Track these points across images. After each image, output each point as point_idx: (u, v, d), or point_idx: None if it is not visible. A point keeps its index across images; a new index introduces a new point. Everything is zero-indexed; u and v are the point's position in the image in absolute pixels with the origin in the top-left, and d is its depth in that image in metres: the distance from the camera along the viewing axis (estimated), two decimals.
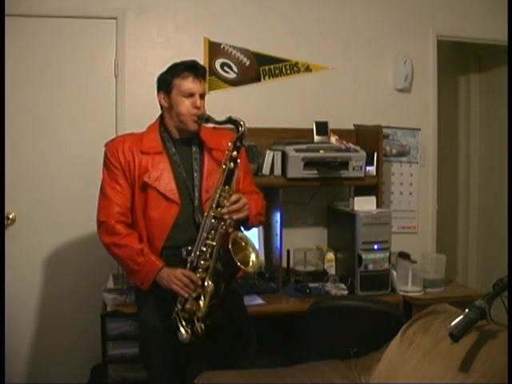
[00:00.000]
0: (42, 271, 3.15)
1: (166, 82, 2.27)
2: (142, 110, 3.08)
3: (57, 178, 3.16)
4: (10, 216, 3.10)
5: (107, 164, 2.27)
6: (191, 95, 2.23)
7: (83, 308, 3.14)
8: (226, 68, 3.32)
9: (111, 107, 3.18)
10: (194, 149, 2.31)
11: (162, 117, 2.34)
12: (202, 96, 2.27)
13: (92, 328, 2.87)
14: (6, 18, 2.90)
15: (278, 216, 3.05)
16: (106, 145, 2.32)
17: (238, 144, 2.18)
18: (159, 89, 2.30)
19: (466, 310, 1.63)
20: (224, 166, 2.17)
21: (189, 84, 2.22)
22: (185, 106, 2.23)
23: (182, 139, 2.31)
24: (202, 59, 3.18)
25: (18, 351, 3.12)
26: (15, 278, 3.06)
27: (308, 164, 3.03)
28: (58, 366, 3.20)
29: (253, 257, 2.17)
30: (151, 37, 3.23)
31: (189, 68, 2.24)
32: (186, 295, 2.11)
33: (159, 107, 2.34)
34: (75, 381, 3.15)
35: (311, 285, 3.04)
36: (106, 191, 2.24)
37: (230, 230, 2.15)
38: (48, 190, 3.15)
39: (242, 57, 3.35)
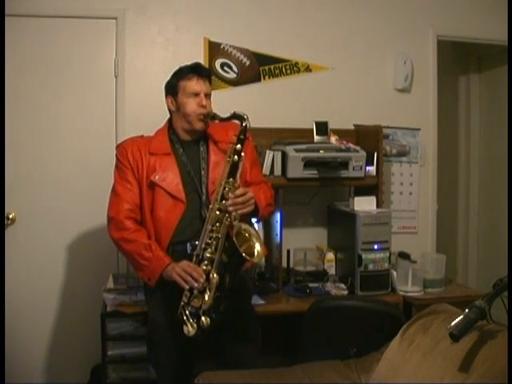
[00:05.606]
0: (41, 271, 3.15)
1: (172, 86, 2.35)
2: (142, 109, 3.11)
3: (57, 178, 3.16)
4: (10, 216, 3.10)
5: (118, 164, 2.34)
6: (196, 95, 2.30)
7: (83, 308, 3.14)
8: (226, 68, 3.32)
9: (111, 107, 3.18)
10: (201, 149, 2.36)
11: (170, 121, 2.41)
12: (208, 96, 2.34)
13: (92, 328, 2.87)
14: (6, 18, 2.90)
15: (277, 216, 3.05)
16: (117, 147, 2.38)
17: (242, 137, 2.23)
18: (166, 93, 2.38)
19: (466, 310, 1.63)
20: (228, 159, 2.22)
21: (193, 85, 2.31)
22: (191, 105, 2.30)
23: (190, 140, 2.36)
24: (202, 59, 3.18)
25: (17, 351, 3.11)
26: (15, 278, 3.06)
27: (308, 164, 3.03)
28: (58, 366, 3.20)
29: (257, 247, 2.18)
30: (151, 37, 3.24)
31: (192, 70, 2.33)
32: (187, 286, 2.10)
33: (167, 111, 2.40)
34: (75, 381, 3.15)
35: (311, 285, 3.04)
36: (116, 189, 2.30)
37: (235, 222, 2.17)
38: (48, 190, 3.15)
39: (242, 57, 3.35)
